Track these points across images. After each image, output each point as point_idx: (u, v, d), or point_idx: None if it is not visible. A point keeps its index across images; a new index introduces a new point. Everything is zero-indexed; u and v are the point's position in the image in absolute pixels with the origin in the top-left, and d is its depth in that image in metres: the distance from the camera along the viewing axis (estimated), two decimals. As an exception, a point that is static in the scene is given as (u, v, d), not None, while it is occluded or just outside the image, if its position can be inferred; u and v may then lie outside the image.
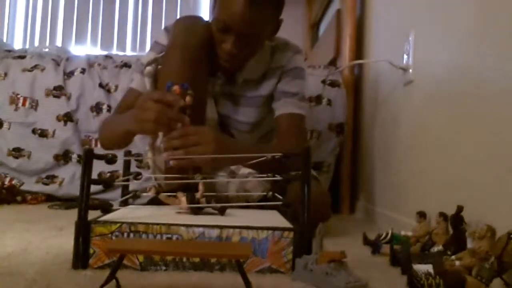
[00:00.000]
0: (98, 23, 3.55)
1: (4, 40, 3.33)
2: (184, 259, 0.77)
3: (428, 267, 0.71)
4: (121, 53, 2.91)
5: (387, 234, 1.03)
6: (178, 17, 1.45)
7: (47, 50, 2.24)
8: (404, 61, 1.40)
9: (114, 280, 0.64)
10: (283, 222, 0.87)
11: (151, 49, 1.37)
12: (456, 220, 0.84)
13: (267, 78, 1.37)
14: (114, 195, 1.82)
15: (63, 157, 2.00)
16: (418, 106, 1.30)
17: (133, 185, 1.46)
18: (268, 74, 1.37)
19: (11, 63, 2.08)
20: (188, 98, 1.02)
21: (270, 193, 1.12)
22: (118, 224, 0.79)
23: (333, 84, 2.02)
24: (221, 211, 0.93)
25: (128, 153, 1.26)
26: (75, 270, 0.76)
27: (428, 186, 1.18)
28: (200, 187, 0.95)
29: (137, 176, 1.28)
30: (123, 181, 1.19)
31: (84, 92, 2.04)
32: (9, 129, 2.01)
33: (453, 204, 0.86)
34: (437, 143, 1.14)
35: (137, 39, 3.55)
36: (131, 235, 0.78)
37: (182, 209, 0.94)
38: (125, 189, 1.21)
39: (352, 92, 2.01)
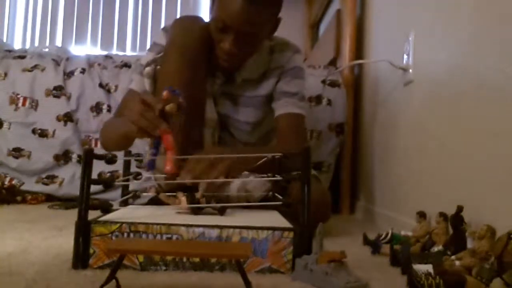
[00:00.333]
0: (98, 23, 3.54)
1: (4, 40, 3.33)
2: (184, 259, 0.77)
3: (428, 267, 0.71)
4: (121, 53, 2.91)
5: (387, 234, 1.03)
6: (178, 17, 1.45)
7: (47, 50, 2.24)
8: (404, 61, 1.40)
9: (114, 280, 0.64)
10: (283, 222, 0.87)
11: (150, 49, 1.37)
12: (456, 220, 0.85)
13: (267, 78, 1.37)
14: (114, 195, 1.82)
15: (63, 157, 2.00)
16: (418, 106, 1.30)
17: (133, 185, 1.45)
18: (267, 73, 1.37)
19: (11, 63, 2.08)
20: (171, 105, 0.93)
21: (270, 193, 1.12)
22: (118, 224, 0.79)
23: (333, 84, 2.02)
24: (221, 211, 0.93)
25: (128, 153, 1.26)
26: (75, 270, 0.76)
27: (428, 186, 1.18)
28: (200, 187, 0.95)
29: (137, 176, 1.27)
30: (123, 181, 1.19)
31: (84, 92, 2.04)
32: (9, 129, 2.01)
33: (453, 204, 0.86)
34: (437, 143, 1.14)
35: (137, 39, 3.55)
36: (131, 235, 0.78)
37: (182, 209, 0.94)
38: (125, 189, 1.21)
39: (352, 92, 2.01)
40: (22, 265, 0.78)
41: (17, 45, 3.44)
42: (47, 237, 1.08)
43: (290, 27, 3.00)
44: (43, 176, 1.99)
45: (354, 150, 1.98)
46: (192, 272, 0.77)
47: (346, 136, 1.98)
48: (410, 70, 1.35)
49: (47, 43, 3.49)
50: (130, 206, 1.13)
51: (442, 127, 1.11)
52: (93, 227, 0.78)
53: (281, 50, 1.38)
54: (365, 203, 1.81)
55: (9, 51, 2.20)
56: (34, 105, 2.02)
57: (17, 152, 1.99)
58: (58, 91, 2.02)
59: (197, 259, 0.77)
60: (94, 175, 0.83)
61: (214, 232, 0.78)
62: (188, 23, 1.26)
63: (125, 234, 0.78)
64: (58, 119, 2.01)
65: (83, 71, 2.06)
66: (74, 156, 2.00)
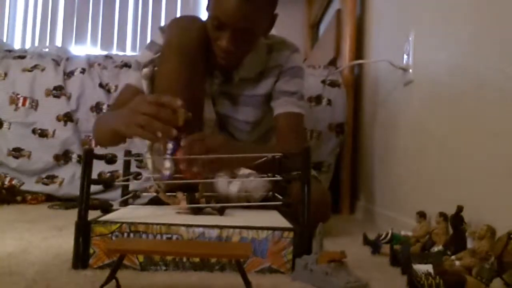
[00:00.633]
0: (98, 23, 3.55)
1: (4, 40, 3.33)
2: (184, 259, 0.77)
3: (428, 267, 0.71)
4: (121, 53, 2.91)
5: (387, 234, 1.03)
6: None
7: (47, 50, 2.24)
8: (404, 61, 1.40)
9: (114, 280, 0.64)
10: (283, 222, 0.87)
11: (148, 48, 1.36)
12: (456, 220, 0.85)
13: (265, 77, 1.37)
14: (114, 195, 1.82)
15: (63, 157, 2.00)
16: (418, 106, 1.30)
17: (133, 185, 1.46)
18: (265, 73, 1.37)
19: (11, 63, 2.08)
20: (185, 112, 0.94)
21: (270, 193, 1.12)
22: (118, 224, 0.79)
23: (333, 84, 2.02)
24: (220, 211, 0.93)
25: (128, 153, 1.26)
26: (75, 270, 0.76)
27: (428, 186, 1.18)
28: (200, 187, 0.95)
29: (137, 176, 1.27)
30: (123, 181, 1.19)
31: (84, 92, 2.04)
32: (9, 129, 2.01)
33: (453, 204, 0.86)
34: (437, 143, 1.14)
35: (137, 39, 3.55)
36: (131, 235, 0.78)
37: (182, 209, 0.94)
38: (125, 189, 1.21)
39: (352, 92, 2.01)
40: (22, 265, 0.78)
41: (17, 45, 3.44)
42: (47, 237, 1.08)
43: (290, 27, 3.01)
44: (43, 176, 1.99)
45: (354, 150, 1.99)
46: (192, 272, 0.77)
47: (346, 136, 1.98)
48: (410, 70, 1.35)
49: (47, 43, 3.49)
50: (130, 206, 1.13)
51: (442, 127, 1.11)
52: (93, 227, 0.78)
53: (279, 49, 1.38)
54: (365, 203, 1.81)
55: (9, 51, 2.20)
56: (34, 105, 2.02)
57: (17, 152, 1.99)
58: (58, 91, 2.02)
59: (197, 259, 0.77)
60: (94, 175, 0.83)
61: (214, 232, 0.78)
62: (185, 23, 1.26)
63: (125, 234, 0.78)
64: (58, 119, 2.01)
65: (83, 71, 2.06)
66: (74, 156, 2.00)
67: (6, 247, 0.94)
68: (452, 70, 1.08)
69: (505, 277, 0.61)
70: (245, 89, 1.37)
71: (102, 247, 0.77)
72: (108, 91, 2.04)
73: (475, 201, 0.89)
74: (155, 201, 1.18)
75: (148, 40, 3.63)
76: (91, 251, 0.78)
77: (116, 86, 2.03)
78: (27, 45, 3.50)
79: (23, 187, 1.96)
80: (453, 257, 0.73)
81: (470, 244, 0.79)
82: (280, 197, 1.06)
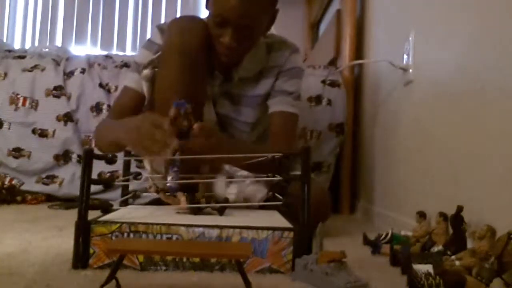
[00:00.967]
0: (98, 23, 3.54)
1: (4, 40, 3.33)
2: (184, 259, 0.77)
3: (428, 267, 0.71)
4: (121, 53, 2.91)
5: (387, 234, 1.03)
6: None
7: (47, 50, 2.24)
8: (404, 61, 1.40)
9: (114, 280, 0.64)
10: (283, 222, 0.87)
11: (146, 48, 1.34)
12: (456, 220, 0.85)
13: (264, 77, 1.37)
14: (114, 195, 1.82)
15: (63, 157, 2.00)
16: (418, 106, 1.30)
17: (133, 185, 1.45)
18: (264, 72, 1.37)
19: (11, 63, 2.08)
20: (183, 123, 0.96)
21: (270, 193, 1.12)
22: (118, 224, 0.79)
23: (333, 84, 2.01)
24: (220, 211, 0.93)
25: (128, 153, 1.26)
26: (75, 270, 0.76)
27: (428, 186, 1.18)
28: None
29: (137, 176, 1.27)
30: (123, 181, 1.19)
31: (84, 92, 2.03)
32: (9, 129, 2.00)
33: (453, 204, 0.86)
34: (437, 143, 1.14)
35: (137, 39, 3.55)
36: (131, 235, 0.78)
37: (182, 209, 0.94)
38: (125, 189, 1.21)
39: (352, 92, 2.01)
40: (22, 265, 0.78)
41: (17, 45, 3.44)
42: (47, 237, 1.08)
43: (290, 27, 3.00)
44: (43, 176, 1.99)
45: (354, 150, 1.98)
46: (192, 272, 0.77)
47: (346, 136, 1.98)
48: (410, 70, 1.35)
49: (47, 43, 3.49)
50: (130, 206, 1.13)
51: (442, 127, 1.11)
52: (93, 227, 0.78)
53: (279, 49, 1.37)
54: (365, 203, 1.81)
55: (9, 51, 2.20)
56: (34, 105, 2.02)
57: (17, 152, 1.99)
58: (58, 91, 2.02)
59: (197, 259, 0.77)
60: (94, 175, 0.83)
61: (214, 232, 0.78)
62: (186, 23, 1.26)
63: (125, 234, 0.78)
64: (58, 119, 2.00)
65: (83, 71, 2.06)
66: (74, 156, 2.00)
67: (6, 247, 0.94)
68: (452, 70, 1.08)
69: (505, 277, 0.61)
70: (245, 89, 1.36)
71: (102, 247, 0.77)
72: (108, 91, 2.04)
73: (475, 201, 0.89)
74: (156, 202, 1.18)
75: (147, 40, 3.57)
76: (91, 251, 0.78)
77: (116, 86, 2.03)
78: (27, 45, 3.50)
79: (23, 187, 1.96)
80: (453, 257, 0.73)
81: (470, 244, 0.79)
82: (280, 197, 1.06)
